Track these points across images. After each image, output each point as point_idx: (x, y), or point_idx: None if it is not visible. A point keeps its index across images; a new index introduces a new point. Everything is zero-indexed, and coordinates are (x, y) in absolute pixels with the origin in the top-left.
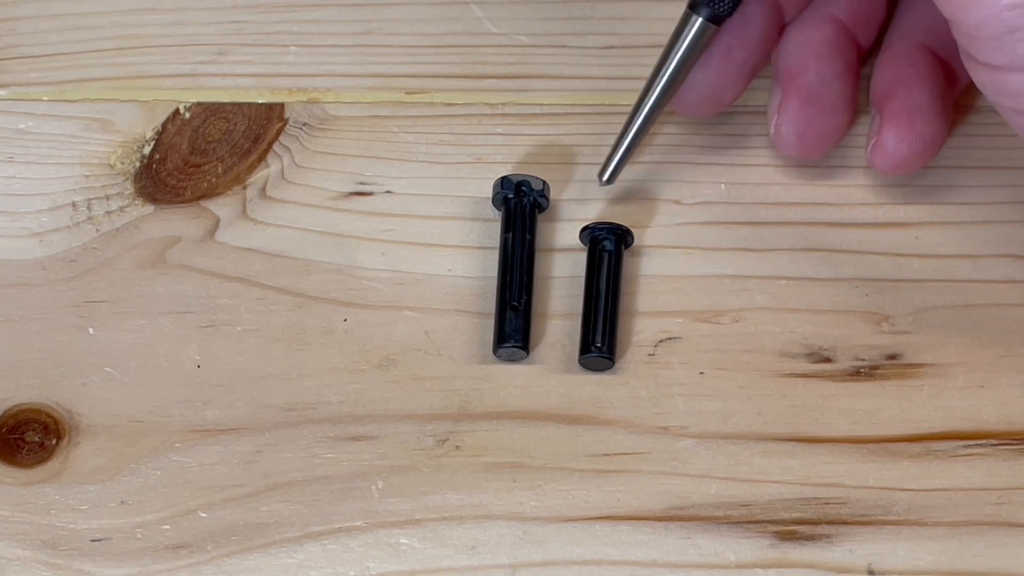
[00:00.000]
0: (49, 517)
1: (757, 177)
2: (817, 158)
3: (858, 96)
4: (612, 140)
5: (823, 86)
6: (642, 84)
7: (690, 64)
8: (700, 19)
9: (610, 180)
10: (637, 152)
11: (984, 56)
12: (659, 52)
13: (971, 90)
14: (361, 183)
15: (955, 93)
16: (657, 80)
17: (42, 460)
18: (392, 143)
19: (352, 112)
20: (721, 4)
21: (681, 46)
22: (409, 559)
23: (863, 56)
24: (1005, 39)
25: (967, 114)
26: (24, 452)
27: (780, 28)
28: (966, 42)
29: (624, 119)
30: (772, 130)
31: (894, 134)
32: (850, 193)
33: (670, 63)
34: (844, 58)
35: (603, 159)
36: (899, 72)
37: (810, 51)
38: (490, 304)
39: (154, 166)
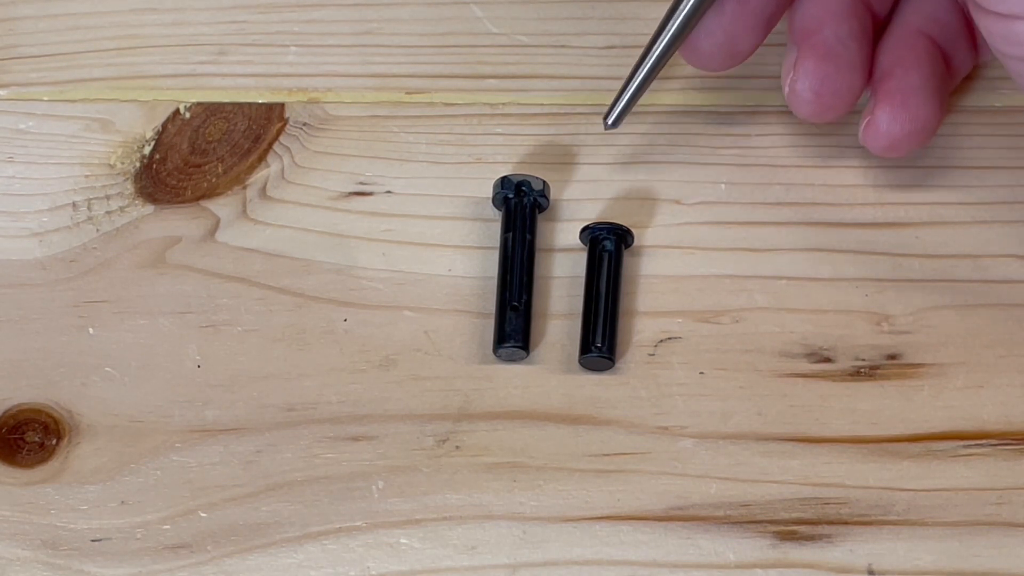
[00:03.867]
0: (49, 517)
1: (757, 177)
2: (831, 120)
3: (871, 62)
4: (613, 140)
5: (839, 44)
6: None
7: (704, 7)
8: None
9: (615, 124)
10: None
11: (993, 4)
12: None
13: (969, 89)
14: (361, 183)
15: (952, 84)
16: (670, 24)
17: (42, 460)
18: (392, 143)
19: (352, 112)
20: None
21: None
22: (409, 559)
23: (877, 28)
24: None
25: (967, 114)
26: (24, 452)
27: None
28: None
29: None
30: (787, 88)
31: (888, 113)
32: (850, 193)
33: (680, 12)
34: (860, 21)
35: (603, 159)
36: (896, 55)
37: (826, 10)
38: (490, 304)
39: (154, 166)
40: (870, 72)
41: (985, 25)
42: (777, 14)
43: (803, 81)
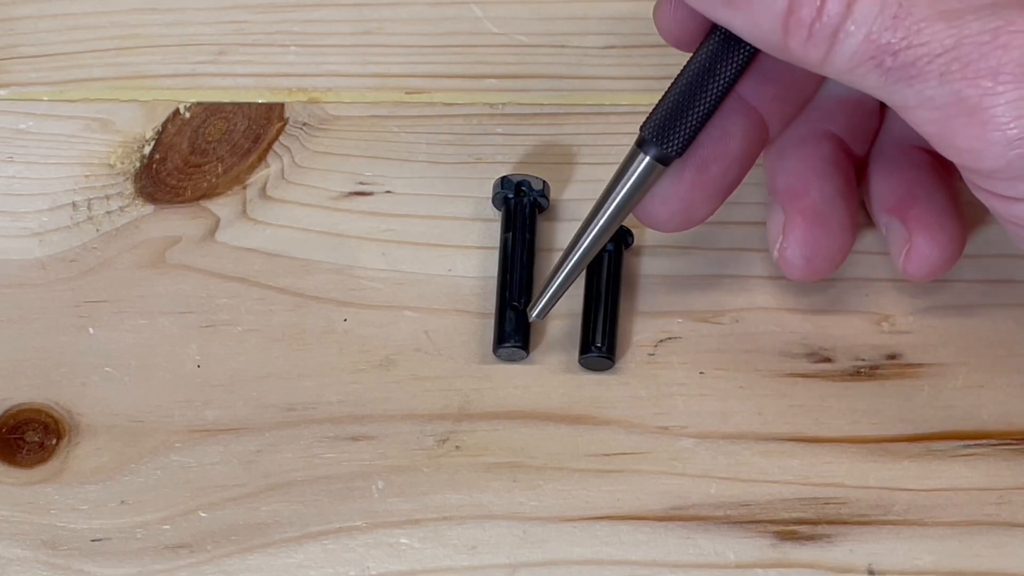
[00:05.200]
0: (49, 517)
1: (757, 176)
2: (818, 279)
3: (858, 212)
4: (613, 140)
5: (828, 205)
6: (642, 84)
7: (634, 203)
8: (647, 159)
9: (539, 316)
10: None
11: (998, 190)
12: (659, 53)
13: None
14: (361, 183)
15: (956, 183)
16: (597, 218)
17: (42, 460)
18: (392, 143)
19: (352, 112)
20: (670, 144)
21: (625, 186)
22: (409, 559)
23: (858, 167)
24: (1018, 180)
25: None
26: (24, 452)
27: (762, 144)
28: (978, 181)
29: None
30: (775, 253)
31: (926, 239)
32: None
33: (612, 201)
34: (844, 174)
35: (603, 159)
36: (906, 176)
37: (811, 170)
38: (490, 304)
39: (154, 166)
40: (856, 224)
41: (988, 202)
42: (738, 179)
43: (794, 248)
